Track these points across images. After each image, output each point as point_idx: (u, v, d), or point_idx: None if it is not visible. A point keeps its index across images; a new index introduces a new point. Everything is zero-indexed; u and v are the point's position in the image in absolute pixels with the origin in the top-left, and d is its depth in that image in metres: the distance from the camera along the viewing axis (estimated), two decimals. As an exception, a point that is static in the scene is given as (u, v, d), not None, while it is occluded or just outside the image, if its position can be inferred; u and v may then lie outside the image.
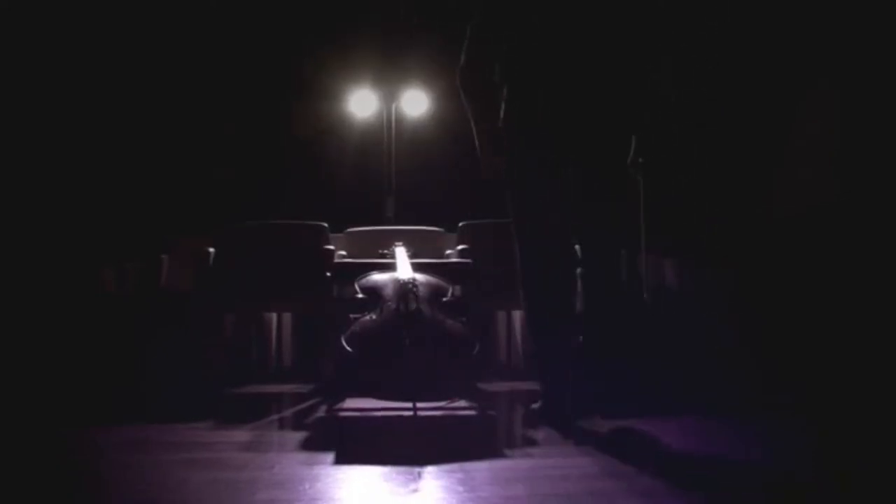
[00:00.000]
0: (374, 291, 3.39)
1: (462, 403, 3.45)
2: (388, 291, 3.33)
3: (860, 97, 4.64)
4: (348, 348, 3.07)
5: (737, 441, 2.70)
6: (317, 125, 6.81)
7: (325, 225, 4.69)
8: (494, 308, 4.70)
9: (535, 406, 3.04)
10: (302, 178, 5.36)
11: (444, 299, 3.42)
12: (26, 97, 5.12)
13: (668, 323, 4.37)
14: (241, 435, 2.85)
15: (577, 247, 3.14)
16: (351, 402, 3.57)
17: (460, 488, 2.01)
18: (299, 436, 2.87)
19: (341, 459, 2.40)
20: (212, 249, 4.53)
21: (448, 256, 4.66)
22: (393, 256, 3.78)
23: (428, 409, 3.44)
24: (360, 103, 7.31)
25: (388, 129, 7.23)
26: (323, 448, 2.61)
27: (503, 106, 3.04)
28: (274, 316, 4.85)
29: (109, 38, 5.37)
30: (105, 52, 5.36)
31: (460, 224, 4.82)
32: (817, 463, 2.32)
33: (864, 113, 4.60)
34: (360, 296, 3.42)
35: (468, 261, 4.23)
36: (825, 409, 3.24)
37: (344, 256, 4.65)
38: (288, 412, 3.60)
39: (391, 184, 7.17)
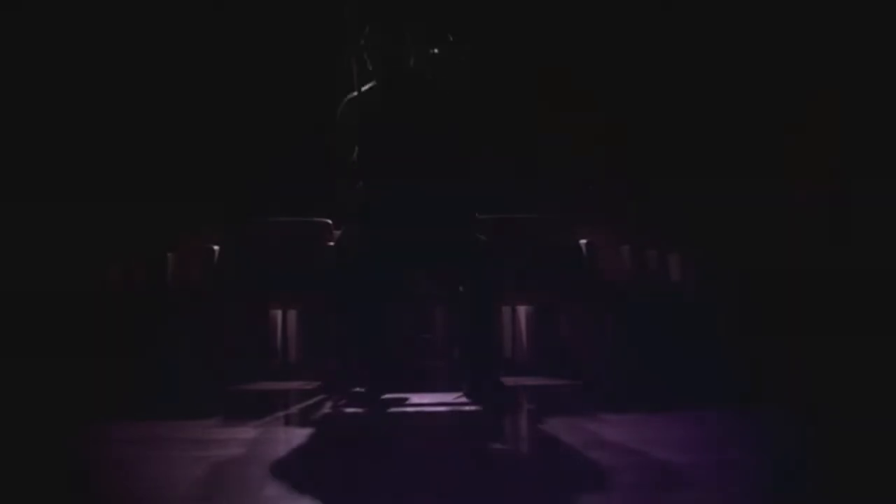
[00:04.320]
0: None
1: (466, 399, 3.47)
2: None
3: (861, 95, 4.64)
4: None
5: (737, 438, 2.70)
6: (320, 122, 6.81)
7: (329, 221, 4.71)
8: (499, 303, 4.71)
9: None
10: (304, 176, 5.36)
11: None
12: (32, 89, 5.13)
13: (672, 320, 4.38)
14: (248, 432, 2.86)
15: None
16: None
17: (462, 482, 2.02)
18: (306, 432, 2.89)
19: (347, 456, 2.42)
20: (216, 247, 4.55)
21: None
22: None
23: (435, 404, 3.46)
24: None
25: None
26: (329, 444, 2.63)
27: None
28: (279, 313, 4.87)
29: (113, 36, 5.37)
30: (111, 48, 5.37)
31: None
32: (815, 462, 2.32)
33: (865, 111, 4.60)
34: None
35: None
36: (824, 407, 3.25)
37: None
38: (294, 409, 3.62)
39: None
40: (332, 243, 4.59)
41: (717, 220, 4.92)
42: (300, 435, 2.83)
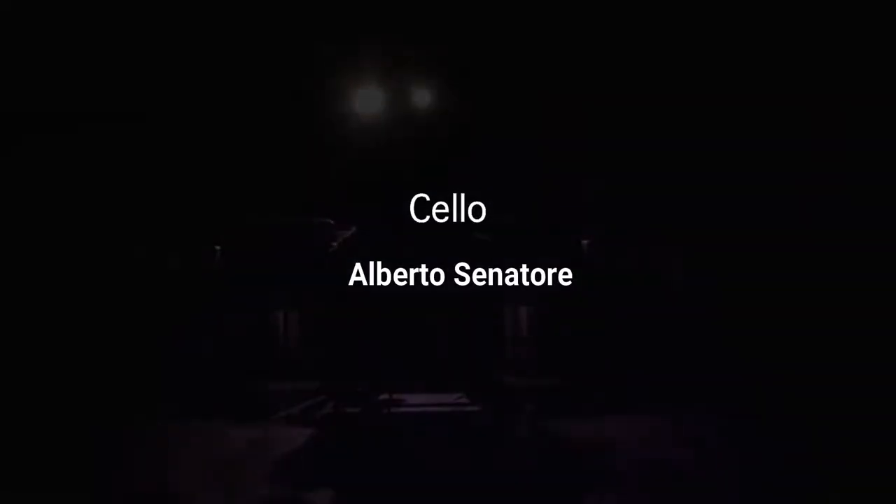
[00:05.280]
0: None
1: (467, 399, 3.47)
2: None
3: (861, 97, 4.63)
4: None
5: (738, 435, 2.70)
6: (322, 123, 6.80)
7: (331, 222, 4.71)
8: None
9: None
10: (308, 176, 5.35)
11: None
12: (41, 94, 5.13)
13: (672, 320, 4.38)
14: (250, 431, 2.87)
15: None
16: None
17: (464, 478, 2.02)
18: (306, 432, 2.89)
19: (347, 456, 2.42)
20: (218, 247, 4.55)
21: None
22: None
23: (435, 404, 3.46)
24: (366, 100, 7.26)
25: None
26: (329, 444, 2.63)
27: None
28: (280, 313, 4.87)
29: (122, 41, 5.37)
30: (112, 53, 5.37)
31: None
32: (814, 458, 2.33)
33: (864, 113, 4.59)
34: None
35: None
36: (822, 405, 3.25)
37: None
38: (294, 409, 3.62)
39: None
40: (334, 244, 4.59)
41: (718, 219, 4.91)
42: (300, 435, 2.83)
